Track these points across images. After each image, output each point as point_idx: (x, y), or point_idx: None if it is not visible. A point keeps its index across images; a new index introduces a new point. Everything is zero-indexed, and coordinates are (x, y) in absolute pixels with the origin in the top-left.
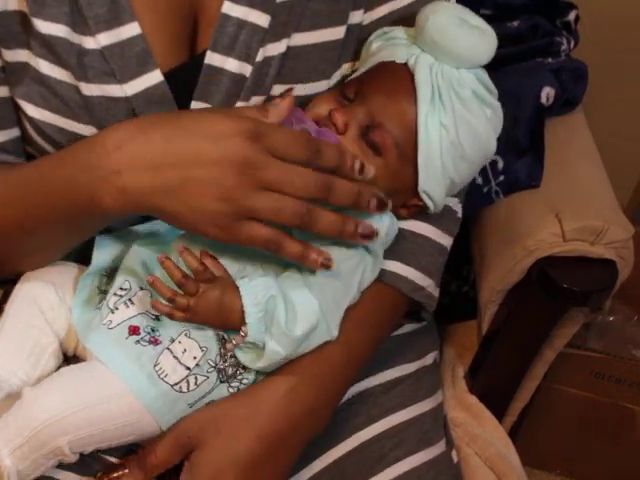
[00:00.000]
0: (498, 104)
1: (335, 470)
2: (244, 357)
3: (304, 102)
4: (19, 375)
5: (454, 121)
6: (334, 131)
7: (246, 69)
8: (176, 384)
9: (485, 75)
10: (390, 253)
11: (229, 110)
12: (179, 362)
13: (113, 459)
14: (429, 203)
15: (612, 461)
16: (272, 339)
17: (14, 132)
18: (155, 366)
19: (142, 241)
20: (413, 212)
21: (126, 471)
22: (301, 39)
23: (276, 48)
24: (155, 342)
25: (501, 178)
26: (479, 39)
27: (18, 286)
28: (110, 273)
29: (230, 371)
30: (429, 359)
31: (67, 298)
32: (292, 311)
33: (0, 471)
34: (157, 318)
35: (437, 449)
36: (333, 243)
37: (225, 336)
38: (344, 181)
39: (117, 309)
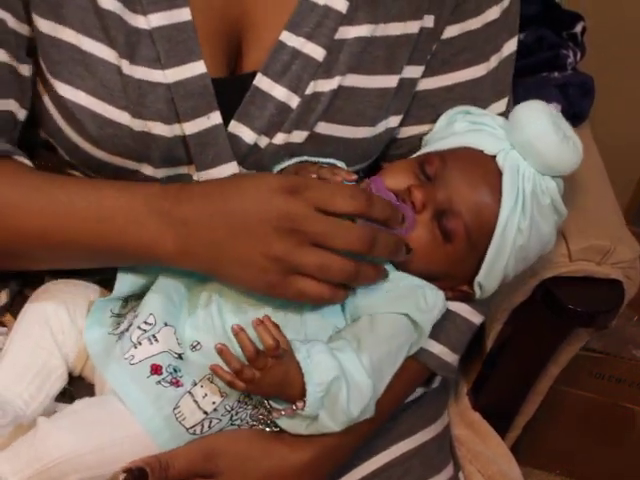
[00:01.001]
0: (566, 211)
1: None
2: (285, 423)
3: (348, 145)
4: (24, 397)
5: (530, 227)
6: (410, 207)
7: (293, 100)
8: (191, 427)
9: (562, 183)
10: None
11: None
12: (198, 407)
13: None
14: (478, 293)
15: (612, 461)
16: (328, 416)
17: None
18: (175, 409)
19: (168, 273)
20: (459, 296)
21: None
22: (355, 81)
23: (328, 84)
24: (176, 384)
25: None
26: (572, 151)
27: (29, 303)
28: (126, 298)
29: (245, 417)
30: (435, 382)
31: (79, 320)
32: (355, 392)
33: None
34: (180, 357)
35: (444, 475)
36: (386, 319)
37: (271, 403)
38: (387, 234)
39: (140, 344)
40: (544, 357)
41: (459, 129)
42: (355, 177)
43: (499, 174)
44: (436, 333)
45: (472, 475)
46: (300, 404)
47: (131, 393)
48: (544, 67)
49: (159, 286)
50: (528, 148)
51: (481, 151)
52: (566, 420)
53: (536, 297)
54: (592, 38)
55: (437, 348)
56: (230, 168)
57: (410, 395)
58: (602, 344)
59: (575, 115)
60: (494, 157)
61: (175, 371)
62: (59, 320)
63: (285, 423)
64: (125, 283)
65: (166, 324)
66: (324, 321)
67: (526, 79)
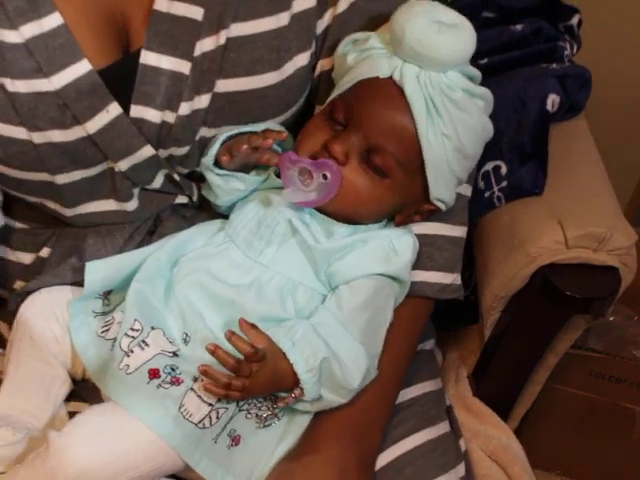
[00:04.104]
0: (485, 90)
1: None
2: (293, 406)
3: (257, 96)
4: (32, 412)
5: (454, 127)
6: (333, 162)
7: (184, 66)
8: (200, 422)
9: (468, 66)
10: None
11: None
12: (202, 400)
13: None
14: (441, 206)
15: (612, 461)
16: (331, 393)
17: None
18: (180, 408)
19: (140, 276)
20: (426, 216)
21: None
22: (240, 29)
23: (214, 41)
24: (177, 382)
25: (504, 184)
26: (460, 39)
27: (17, 319)
28: (104, 295)
29: (252, 400)
30: (427, 345)
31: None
32: (349, 364)
33: None
34: (174, 354)
35: (441, 429)
36: (363, 283)
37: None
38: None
39: (132, 352)
40: (542, 345)
41: (351, 62)
42: (285, 135)
43: (401, 92)
44: (421, 263)
45: (473, 452)
46: (298, 391)
47: (135, 403)
48: (542, 59)
49: (135, 291)
50: (415, 55)
51: (376, 77)
52: (566, 420)
53: (533, 284)
54: (587, 32)
55: (428, 276)
56: (145, 152)
57: (421, 330)
58: (602, 344)
59: (572, 107)
60: (391, 78)
61: (173, 370)
62: (50, 330)
63: (293, 406)
64: (95, 280)
65: (153, 328)
66: (309, 291)
67: (524, 69)
